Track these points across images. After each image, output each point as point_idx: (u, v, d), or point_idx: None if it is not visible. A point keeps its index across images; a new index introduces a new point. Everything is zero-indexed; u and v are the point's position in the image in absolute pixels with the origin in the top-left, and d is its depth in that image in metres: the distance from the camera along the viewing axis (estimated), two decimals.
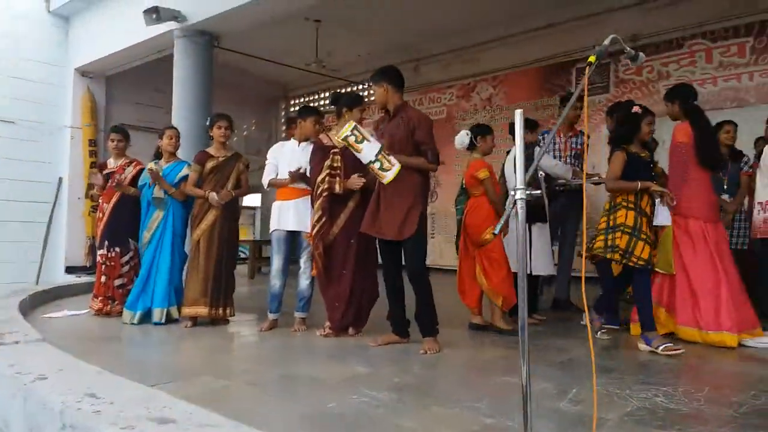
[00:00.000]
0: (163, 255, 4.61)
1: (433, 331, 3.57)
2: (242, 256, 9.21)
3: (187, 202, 4.76)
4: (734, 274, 3.88)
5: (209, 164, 4.51)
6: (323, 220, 3.89)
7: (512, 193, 1.79)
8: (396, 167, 3.46)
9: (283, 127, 12.51)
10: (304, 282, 4.24)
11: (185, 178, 4.68)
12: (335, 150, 3.97)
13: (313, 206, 4.00)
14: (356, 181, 3.87)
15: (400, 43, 9.99)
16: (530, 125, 4.70)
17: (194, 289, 4.39)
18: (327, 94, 11.84)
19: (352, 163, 3.93)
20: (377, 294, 4.02)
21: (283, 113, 12.69)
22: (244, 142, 11.27)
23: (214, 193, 4.37)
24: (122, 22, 8.68)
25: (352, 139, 3.53)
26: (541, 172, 4.54)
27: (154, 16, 7.39)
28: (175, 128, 4.92)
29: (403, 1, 8.45)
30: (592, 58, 2.05)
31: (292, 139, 4.42)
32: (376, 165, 3.48)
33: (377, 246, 4.02)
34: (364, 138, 3.54)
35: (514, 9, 8.52)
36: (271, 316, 4.29)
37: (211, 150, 4.60)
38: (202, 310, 4.39)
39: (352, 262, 3.90)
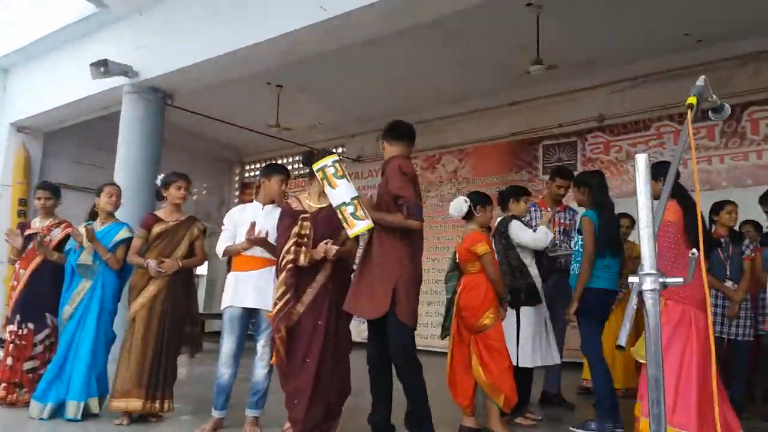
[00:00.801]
0: (85, 334, 3.82)
1: None
2: None
3: (122, 272, 4.05)
4: (710, 372, 3.43)
5: (156, 229, 3.85)
6: (287, 296, 3.24)
7: (634, 281, 1.23)
8: (368, 222, 2.94)
9: (236, 193, 11.90)
10: (260, 371, 3.53)
11: (123, 242, 3.99)
12: (305, 215, 3.38)
13: (277, 279, 3.37)
14: (324, 249, 3.26)
15: (363, 113, 9.72)
16: (516, 194, 4.27)
17: (126, 376, 3.61)
18: (286, 161, 11.35)
19: (323, 231, 3.36)
20: (349, 389, 3.35)
21: (237, 178, 12.09)
22: (194, 207, 10.54)
23: (154, 261, 3.69)
24: (65, 77, 8.11)
25: (330, 171, 3.03)
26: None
27: (102, 69, 6.85)
28: (116, 185, 4.25)
29: (368, 74, 8.25)
30: (692, 100, 1.56)
31: (254, 201, 3.81)
32: (349, 209, 2.96)
33: (350, 328, 3.42)
34: (344, 175, 3.04)
35: (480, 86, 8.43)
36: (216, 414, 3.52)
37: (160, 213, 3.96)
38: (136, 404, 3.58)
39: (318, 348, 3.22)
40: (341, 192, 3.00)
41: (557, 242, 4.58)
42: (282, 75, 8.41)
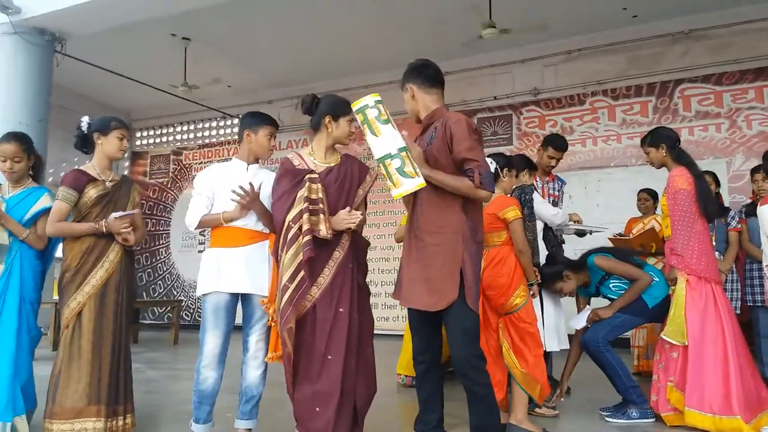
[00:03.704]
0: (4, 334, 2.85)
1: None
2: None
3: (46, 251, 3.10)
4: (744, 346, 3.35)
5: (92, 191, 2.92)
6: (299, 277, 2.57)
7: None
8: (419, 180, 2.36)
9: (126, 164, 10.50)
10: (254, 373, 2.81)
11: (45, 213, 3.02)
12: (312, 176, 2.70)
13: (276, 258, 2.67)
14: (348, 218, 2.62)
15: (282, 76, 8.89)
16: (530, 166, 3.90)
17: (78, 391, 2.70)
18: (185, 128, 10.16)
19: (336, 195, 2.71)
20: (375, 388, 2.75)
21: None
22: None
23: (116, 213, 2.85)
24: None
25: (373, 113, 2.40)
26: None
27: None
28: (21, 138, 3.17)
29: (290, 32, 7.47)
30: None
31: (234, 158, 3.02)
32: (395, 163, 2.35)
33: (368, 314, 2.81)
34: (389, 120, 2.44)
35: (411, 54, 7.90)
36: (198, 429, 2.76)
37: (89, 169, 3.01)
38: (96, 425, 2.70)
39: (342, 341, 2.59)
40: (386, 141, 2.39)
41: None
42: (189, 26, 7.37)
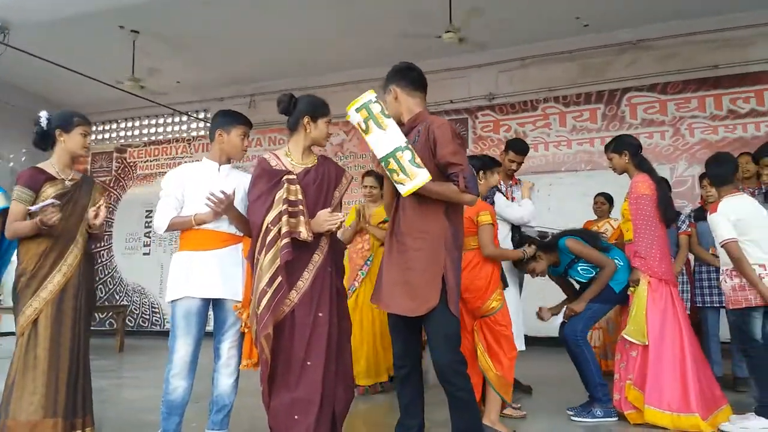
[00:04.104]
0: None
1: None
2: None
3: None
4: (698, 346, 3.52)
5: (50, 190, 2.75)
6: (278, 281, 2.49)
7: None
8: (427, 172, 2.33)
9: None
10: (226, 381, 2.70)
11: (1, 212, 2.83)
12: (291, 177, 2.63)
13: (252, 262, 2.59)
14: (329, 219, 2.57)
15: (234, 74, 8.67)
16: (494, 163, 3.91)
17: (33, 402, 2.52)
18: (130, 124, 9.77)
19: (314, 197, 2.66)
20: (353, 392, 2.70)
21: None
22: (10, 176, 8.56)
23: (33, 207, 2.64)
24: None
25: (376, 108, 2.37)
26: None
27: None
28: None
29: (244, 28, 7.30)
30: None
31: (204, 159, 2.90)
32: (406, 156, 2.31)
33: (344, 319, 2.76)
34: (389, 114, 2.43)
35: (368, 56, 7.90)
36: None
37: (48, 168, 2.83)
38: None
39: (322, 346, 2.53)
40: (393, 134, 2.35)
41: None
42: (138, 18, 7.08)
